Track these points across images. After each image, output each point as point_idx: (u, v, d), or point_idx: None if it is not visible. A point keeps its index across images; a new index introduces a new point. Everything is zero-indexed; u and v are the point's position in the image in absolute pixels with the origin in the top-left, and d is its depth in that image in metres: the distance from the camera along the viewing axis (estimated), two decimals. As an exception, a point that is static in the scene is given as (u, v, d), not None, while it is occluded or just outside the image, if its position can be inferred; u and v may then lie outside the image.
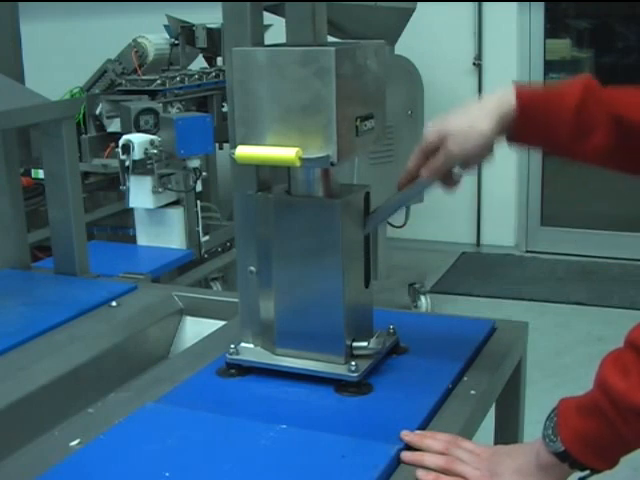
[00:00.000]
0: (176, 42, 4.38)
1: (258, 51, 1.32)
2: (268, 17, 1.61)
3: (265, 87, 1.30)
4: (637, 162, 1.30)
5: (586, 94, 1.27)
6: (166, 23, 4.50)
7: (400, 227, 4.46)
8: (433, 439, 1.22)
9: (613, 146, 1.27)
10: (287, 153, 1.28)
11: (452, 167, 1.33)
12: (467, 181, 5.52)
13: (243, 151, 1.33)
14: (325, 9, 1.40)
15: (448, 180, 1.36)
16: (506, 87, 1.32)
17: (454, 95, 5.19)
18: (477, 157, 1.33)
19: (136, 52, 4.23)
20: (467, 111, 1.33)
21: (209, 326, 1.73)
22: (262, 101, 1.31)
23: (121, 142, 3.00)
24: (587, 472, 1.14)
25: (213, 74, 4.34)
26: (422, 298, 4.27)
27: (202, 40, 4.41)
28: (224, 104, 4.33)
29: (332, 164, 1.28)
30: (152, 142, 3.01)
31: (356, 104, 1.32)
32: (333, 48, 1.25)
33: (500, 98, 1.31)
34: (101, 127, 4.05)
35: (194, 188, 3.09)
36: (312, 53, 1.27)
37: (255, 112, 1.31)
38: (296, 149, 1.28)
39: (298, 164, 1.28)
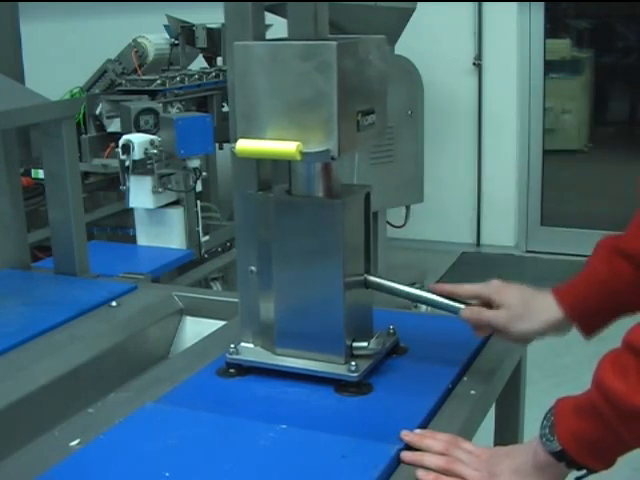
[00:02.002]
0: (176, 42, 4.38)
1: (259, 45, 1.32)
2: (268, 17, 1.60)
3: (266, 81, 1.30)
4: None
5: (611, 257, 1.30)
6: (166, 23, 4.50)
7: (400, 227, 4.46)
8: (433, 439, 1.22)
9: None
10: (287, 147, 1.28)
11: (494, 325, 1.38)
12: (467, 181, 5.49)
13: (243, 145, 1.32)
14: (327, 8, 1.39)
15: (483, 328, 1.41)
16: (547, 296, 1.37)
17: (454, 95, 5.19)
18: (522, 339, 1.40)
19: (136, 52, 4.23)
20: (523, 304, 1.39)
21: (209, 326, 1.73)
22: (263, 95, 1.30)
23: (121, 142, 2.99)
24: (584, 472, 1.14)
25: (213, 74, 4.33)
26: (422, 298, 4.25)
27: (202, 40, 4.41)
28: (224, 104, 4.33)
29: (333, 158, 1.28)
30: (152, 142, 3.00)
31: (357, 99, 1.32)
32: (335, 42, 1.25)
33: (547, 308, 1.35)
34: (101, 127, 4.05)
35: (194, 188, 3.08)
36: (313, 47, 1.27)
37: (256, 106, 1.31)
38: (297, 143, 1.27)
39: (298, 158, 1.28)
